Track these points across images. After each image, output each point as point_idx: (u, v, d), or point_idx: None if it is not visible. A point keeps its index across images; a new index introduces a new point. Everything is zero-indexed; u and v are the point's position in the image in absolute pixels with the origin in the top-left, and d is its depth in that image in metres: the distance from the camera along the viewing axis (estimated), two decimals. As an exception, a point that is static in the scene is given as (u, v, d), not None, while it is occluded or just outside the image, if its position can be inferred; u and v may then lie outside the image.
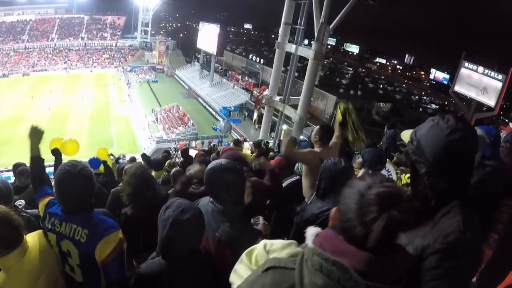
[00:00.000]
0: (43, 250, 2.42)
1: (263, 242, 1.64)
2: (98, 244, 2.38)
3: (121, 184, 5.42)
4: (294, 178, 4.58)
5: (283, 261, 1.37)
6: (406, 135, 1.96)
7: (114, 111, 48.43)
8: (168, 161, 6.61)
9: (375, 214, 1.13)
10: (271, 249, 1.58)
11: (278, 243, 1.59)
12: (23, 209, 3.81)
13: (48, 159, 3.39)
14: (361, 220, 1.16)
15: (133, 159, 11.31)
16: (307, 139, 8.41)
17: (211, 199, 2.60)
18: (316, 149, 4.12)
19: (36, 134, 2.98)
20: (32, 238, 2.43)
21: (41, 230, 2.59)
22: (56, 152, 4.70)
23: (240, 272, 1.64)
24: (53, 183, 2.95)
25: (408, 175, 4.40)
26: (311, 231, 1.34)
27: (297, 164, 4.56)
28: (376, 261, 1.14)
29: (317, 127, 4.34)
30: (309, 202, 3.28)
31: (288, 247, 1.55)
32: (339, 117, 4.26)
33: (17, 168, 6.02)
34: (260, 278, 1.37)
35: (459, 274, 1.56)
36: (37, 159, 3.00)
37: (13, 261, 2.18)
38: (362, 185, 1.23)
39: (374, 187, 1.20)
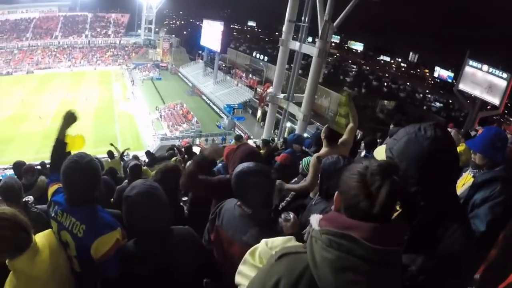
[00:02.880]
0: (54, 250, 2.43)
1: (264, 240, 1.70)
2: (93, 242, 2.38)
3: (126, 181, 5.45)
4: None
5: (294, 247, 1.48)
6: (380, 152, 1.86)
7: (118, 108, 48.57)
8: (174, 158, 6.62)
9: (379, 182, 1.27)
10: (273, 245, 1.64)
11: (278, 239, 1.68)
12: (33, 204, 3.84)
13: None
14: (366, 192, 1.29)
15: (136, 157, 11.35)
16: (310, 137, 8.39)
17: (239, 202, 2.55)
18: (324, 148, 4.12)
19: (69, 119, 3.08)
20: (42, 239, 2.42)
21: (50, 230, 2.60)
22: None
23: (246, 272, 1.69)
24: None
25: None
26: (316, 217, 1.43)
27: (301, 164, 4.49)
28: (381, 229, 1.26)
29: (325, 126, 4.35)
30: (313, 203, 3.23)
31: (289, 241, 1.65)
32: (345, 102, 4.32)
33: (18, 166, 6.04)
34: (273, 267, 1.44)
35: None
36: (61, 143, 3.04)
37: (24, 263, 2.16)
38: (359, 166, 1.37)
39: (372, 163, 1.35)
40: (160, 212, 2.37)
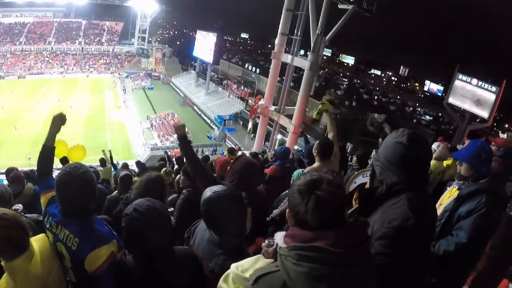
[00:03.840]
0: (48, 254, 2.40)
1: (233, 265, 1.72)
2: (87, 256, 2.32)
3: (116, 191, 5.46)
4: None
5: (266, 268, 1.54)
6: None
7: (109, 116, 48.44)
8: (164, 169, 6.62)
9: (307, 197, 1.41)
10: (244, 268, 1.66)
11: (247, 261, 1.73)
12: (22, 213, 3.82)
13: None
14: (303, 209, 1.41)
15: (125, 166, 11.29)
16: (302, 149, 8.44)
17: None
18: (316, 163, 4.17)
19: (58, 122, 3.00)
20: (36, 243, 2.39)
21: (43, 235, 2.54)
22: (64, 161, 4.71)
23: None
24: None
25: None
26: (279, 235, 1.53)
27: (292, 177, 4.49)
28: (342, 232, 1.36)
29: (317, 142, 4.29)
30: None
31: (258, 261, 1.71)
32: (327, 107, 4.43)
33: (10, 173, 5.97)
34: None
35: (402, 258, 1.79)
36: (49, 149, 2.93)
37: (21, 265, 2.16)
38: (297, 184, 1.49)
39: (301, 182, 1.47)
40: (161, 232, 2.27)
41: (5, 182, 5.99)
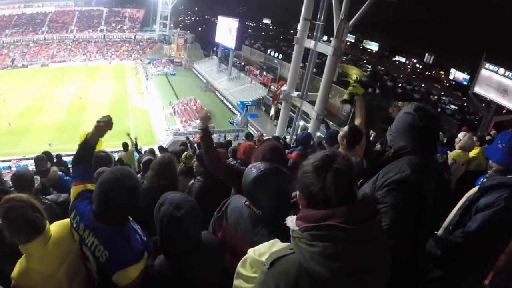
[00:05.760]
0: (67, 241, 2.35)
1: (250, 250, 1.76)
2: (115, 272, 2.18)
3: (139, 176, 5.49)
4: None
5: (281, 251, 1.54)
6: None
7: (132, 102, 48.99)
8: (185, 153, 6.63)
9: (324, 173, 1.43)
10: (260, 252, 1.70)
11: (263, 245, 1.76)
12: (40, 185, 3.93)
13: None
14: (319, 185, 1.43)
15: (151, 151, 11.38)
16: (324, 136, 8.35)
17: (247, 202, 2.38)
18: (341, 150, 4.00)
19: (105, 127, 2.70)
20: (56, 228, 2.38)
21: (66, 221, 2.43)
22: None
23: (241, 285, 1.74)
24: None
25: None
26: (291, 218, 1.53)
27: None
28: (353, 208, 1.38)
29: (345, 128, 4.00)
30: None
31: (274, 245, 1.73)
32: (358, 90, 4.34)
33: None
34: (267, 275, 1.50)
35: (401, 208, 2.01)
36: (90, 147, 2.68)
37: (36, 247, 2.18)
38: (308, 164, 1.52)
39: (315, 159, 1.50)
40: (201, 227, 2.28)
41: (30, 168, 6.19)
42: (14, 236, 2.17)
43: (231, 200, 2.56)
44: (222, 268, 2.35)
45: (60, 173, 5.87)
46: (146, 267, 2.30)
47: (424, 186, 2.09)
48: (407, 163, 2.13)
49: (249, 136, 10.53)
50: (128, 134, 12.15)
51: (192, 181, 4.69)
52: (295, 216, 1.53)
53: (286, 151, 7.88)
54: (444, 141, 8.58)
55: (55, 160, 8.44)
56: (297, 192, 1.59)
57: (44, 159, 5.95)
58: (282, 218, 2.36)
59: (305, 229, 1.38)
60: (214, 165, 3.34)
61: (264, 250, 1.69)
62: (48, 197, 3.88)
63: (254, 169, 2.30)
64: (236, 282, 1.76)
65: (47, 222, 2.30)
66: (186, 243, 2.17)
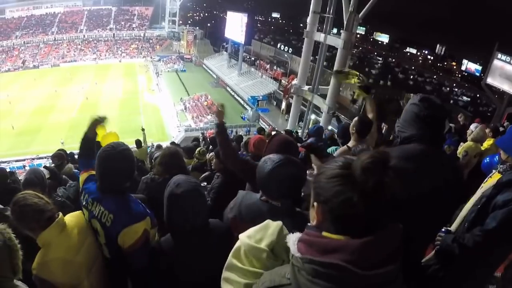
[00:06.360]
0: (82, 228, 2.55)
1: (243, 236, 1.55)
2: (120, 232, 2.42)
3: (151, 172, 5.57)
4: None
5: (276, 279, 1.28)
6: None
7: (143, 100, 49.30)
8: (198, 149, 6.68)
9: (375, 177, 1.10)
10: (257, 238, 1.51)
11: (256, 230, 1.56)
12: (48, 178, 4.08)
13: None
14: (359, 192, 1.10)
15: (159, 146, 11.44)
16: (335, 130, 8.35)
17: (263, 197, 2.34)
18: (353, 141, 4.09)
19: (98, 123, 3.02)
20: (72, 218, 2.58)
21: (80, 212, 2.69)
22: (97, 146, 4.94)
23: (234, 278, 1.49)
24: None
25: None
26: (292, 238, 1.26)
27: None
28: (370, 244, 1.09)
29: (356, 119, 4.16)
30: None
31: (268, 228, 1.55)
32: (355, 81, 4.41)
33: (47, 166, 6.38)
34: None
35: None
36: (89, 140, 3.01)
37: (52, 235, 2.32)
38: (337, 167, 1.20)
39: (360, 159, 1.15)
40: (203, 208, 2.39)
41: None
42: (27, 228, 2.31)
43: (241, 199, 2.52)
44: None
45: (75, 170, 6.08)
46: (148, 232, 2.56)
47: (417, 174, 1.99)
48: (397, 147, 2.29)
49: (261, 130, 10.56)
50: (143, 130, 12.14)
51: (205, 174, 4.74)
52: (298, 235, 1.27)
53: (298, 144, 7.90)
54: (453, 131, 8.49)
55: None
56: (315, 204, 1.26)
57: (60, 156, 6.15)
58: (298, 206, 2.39)
59: (308, 261, 1.13)
60: (230, 160, 3.37)
61: (260, 236, 1.51)
62: (60, 192, 4.08)
63: (268, 161, 2.31)
64: (228, 275, 1.52)
65: (60, 212, 2.46)
66: (185, 220, 2.30)
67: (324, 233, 1.19)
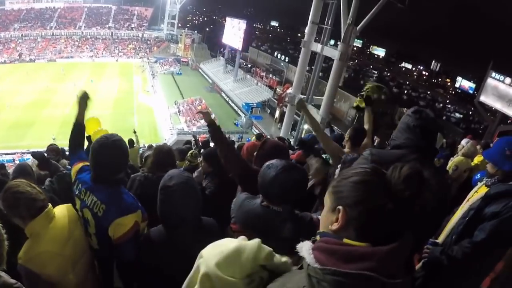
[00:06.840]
0: (71, 220, 2.56)
1: (208, 263, 1.20)
2: (111, 223, 2.45)
3: (141, 170, 5.56)
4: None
5: None
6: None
7: (137, 100, 49.04)
8: (191, 151, 6.69)
9: (415, 187, 1.09)
10: (223, 267, 1.17)
11: (223, 256, 1.20)
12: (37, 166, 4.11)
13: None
14: (395, 198, 1.09)
15: (150, 147, 11.44)
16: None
17: (264, 202, 2.34)
18: (346, 150, 4.12)
19: (84, 100, 3.09)
20: (61, 210, 2.59)
21: (68, 205, 2.70)
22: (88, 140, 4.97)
23: None
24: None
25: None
26: (305, 247, 1.13)
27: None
28: (395, 252, 1.04)
29: (350, 128, 4.34)
30: None
31: (238, 256, 1.20)
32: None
33: (35, 154, 6.35)
34: None
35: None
36: (79, 125, 3.08)
37: (40, 225, 2.33)
38: (366, 173, 1.18)
39: (400, 168, 1.13)
40: (195, 202, 2.40)
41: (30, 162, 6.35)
42: (18, 215, 2.31)
43: (239, 205, 2.50)
44: None
45: (69, 166, 6.06)
46: (139, 225, 2.59)
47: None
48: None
49: (260, 137, 10.58)
50: (135, 132, 12.20)
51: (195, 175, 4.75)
52: (310, 244, 1.15)
53: (291, 151, 7.94)
54: (445, 146, 8.58)
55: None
56: (340, 208, 1.15)
57: (57, 151, 6.14)
58: (297, 208, 2.42)
59: (330, 272, 1.00)
60: (228, 160, 3.31)
61: (233, 269, 1.18)
62: (46, 187, 4.07)
63: (271, 167, 2.32)
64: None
65: (49, 204, 2.47)
66: (175, 212, 2.35)
67: (346, 240, 1.11)
